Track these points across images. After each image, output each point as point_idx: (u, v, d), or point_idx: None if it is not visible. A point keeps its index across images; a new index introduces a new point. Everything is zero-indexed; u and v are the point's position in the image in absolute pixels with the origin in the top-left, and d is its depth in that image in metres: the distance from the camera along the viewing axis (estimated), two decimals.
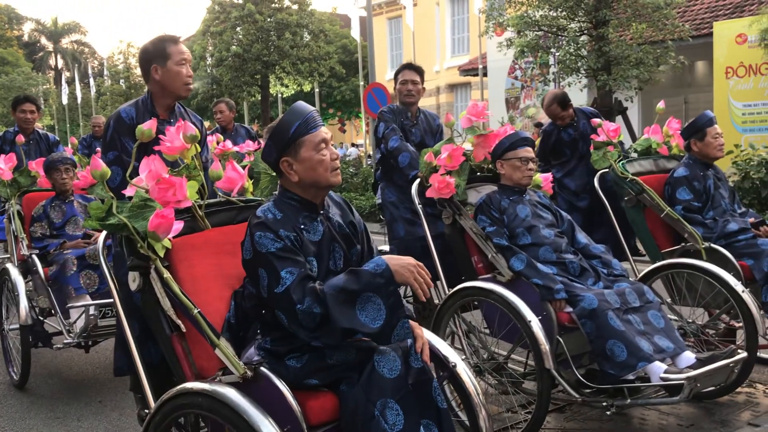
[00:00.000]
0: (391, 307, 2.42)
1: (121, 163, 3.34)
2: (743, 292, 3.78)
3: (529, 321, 3.36)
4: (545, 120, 17.16)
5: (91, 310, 4.29)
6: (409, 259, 2.38)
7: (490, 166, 4.19)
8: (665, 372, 3.19)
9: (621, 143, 4.94)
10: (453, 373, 2.63)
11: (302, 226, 2.49)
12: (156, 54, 3.41)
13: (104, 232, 2.79)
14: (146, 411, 3.40)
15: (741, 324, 3.88)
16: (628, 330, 3.28)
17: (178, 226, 2.65)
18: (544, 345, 3.32)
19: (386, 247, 4.96)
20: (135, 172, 2.77)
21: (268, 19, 22.16)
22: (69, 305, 4.44)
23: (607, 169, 4.72)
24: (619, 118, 12.36)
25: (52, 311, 4.74)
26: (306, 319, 2.32)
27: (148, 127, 2.88)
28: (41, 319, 4.83)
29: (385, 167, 4.93)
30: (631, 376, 3.24)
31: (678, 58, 12.00)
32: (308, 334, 2.36)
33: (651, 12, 11.70)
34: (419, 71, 4.92)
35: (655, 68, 11.91)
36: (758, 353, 4.03)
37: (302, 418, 2.27)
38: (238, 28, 22.54)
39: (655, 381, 3.22)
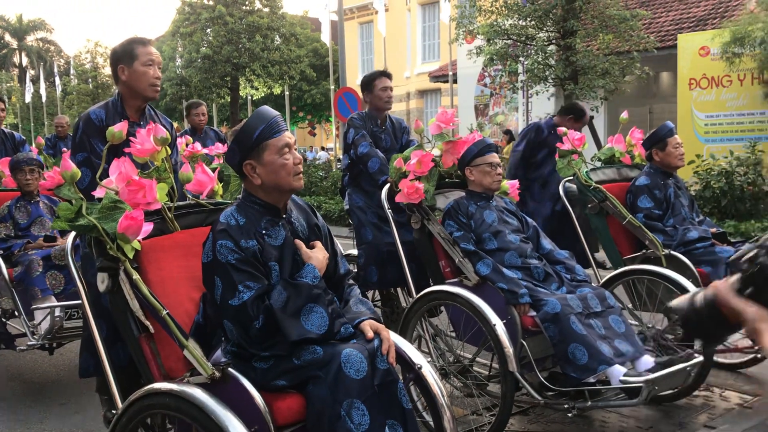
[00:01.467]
0: (331, 314, 2.50)
1: (90, 164, 3.33)
2: None
3: (494, 324, 3.43)
4: (513, 127, 17.22)
5: (57, 312, 4.25)
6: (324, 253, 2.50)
7: (459, 172, 4.25)
8: (624, 375, 3.27)
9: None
10: (418, 374, 2.66)
11: (264, 231, 2.54)
12: (123, 55, 3.44)
13: (72, 233, 2.79)
14: (113, 412, 3.39)
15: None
16: (589, 334, 3.36)
17: (148, 227, 2.65)
18: (509, 348, 3.38)
19: (354, 252, 4.99)
20: (105, 174, 2.77)
21: (239, 21, 22.08)
22: (34, 306, 4.39)
23: (571, 177, 4.81)
24: (585, 127, 12.55)
25: (16, 313, 4.68)
26: (259, 335, 2.41)
27: (118, 129, 2.89)
28: (3, 320, 4.77)
29: (352, 173, 4.98)
30: (592, 379, 3.31)
31: (643, 69, 12.25)
32: (258, 348, 2.44)
33: (617, 23, 11.92)
34: (391, 78, 5.05)
35: (620, 78, 12.14)
36: (714, 358, 4.16)
37: (270, 418, 2.30)
38: (209, 30, 22.42)
39: (615, 384, 3.29)
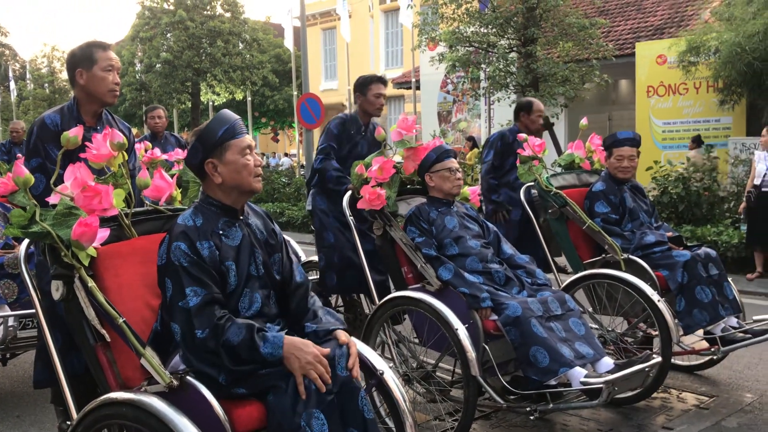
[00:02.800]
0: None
1: (45, 170, 3.25)
2: (659, 301, 3.95)
3: (456, 329, 3.44)
4: (476, 134, 17.38)
5: (10, 321, 4.14)
6: (312, 351, 2.36)
7: (418, 178, 4.27)
8: (585, 377, 3.30)
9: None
10: (380, 380, 2.66)
11: (221, 232, 2.55)
12: (82, 58, 3.35)
13: (26, 241, 2.71)
14: (68, 423, 3.32)
15: (657, 332, 4.06)
16: (550, 337, 3.38)
17: (104, 234, 2.60)
18: (471, 353, 3.40)
19: (315, 258, 4.94)
20: (60, 180, 2.71)
21: (200, 26, 21.89)
22: None
23: (532, 183, 4.86)
24: (546, 133, 12.73)
25: None
26: (200, 345, 2.38)
27: (74, 134, 2.82)
28: None
29: (320, 176, 4.95)
30: (553, 382, 3.33)
31: (602, 76, 12.46)
32: (196, 359, 2.40)
33: (577, 31, 12.12)
34: (386, 84, 5.00)
35: (580, 86, 12.33)
36: (672, 360, 4.23)
37: (229, 426, 2.28)
38: (169, 35, 22.19)
39: (575, 386, 3.32)
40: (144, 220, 2.88)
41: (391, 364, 3.91)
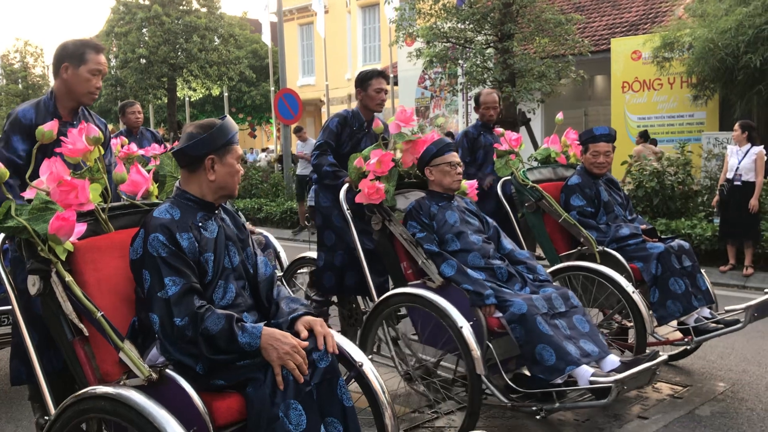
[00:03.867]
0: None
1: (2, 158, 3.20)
2: (633, 292, 4.02)
3: (461, 327, 3.36)
4: (453, 129, 17.47)
5: None
6: (289, 341, 2.37)
7: (417, 172, 4.20)
8: (593, 375, 3.24)
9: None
10: (359, 372, 2.66)
11: (200, 224, 2.61)
12: (73, 54, 3.33)
13: (1, 236, 2.69)
14: (45, 418, 3.30)
15: (632, 323, 4.12)
16: (556, 334, 3.32)
17: (81, 228, 2.60)
18: (476, 351, 3.32)
19: (313, 254, 4.83)
20: (35, 175, 2.69)
21: (176, 22, 21.68)
22: None
23: (509, 177, 4.90)
24: (522, 128, 12.81)
25: None
26: (178, 334, 2.40)
27: (48, 128, 2.80)
28: None
29: (316, 172, 4.80)
30: (559, 380, 3.28)
31: (578, 72, 12.56)
32: (174, 349, 2.42)
33: (553, 27, 12.19)
34: (388, 79, 4.87)
35: (556, 81, 12.41)
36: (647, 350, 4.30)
37: (209, 418, 2.28)
38: (144, 30, 21.93)
39: (583, 384, 3.26)
40: (121, 215, 2.88)
41: (392, 364, 3.89)
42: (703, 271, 4.58)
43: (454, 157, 3.95)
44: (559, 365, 3.24)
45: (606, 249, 4.42)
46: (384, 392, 2.66)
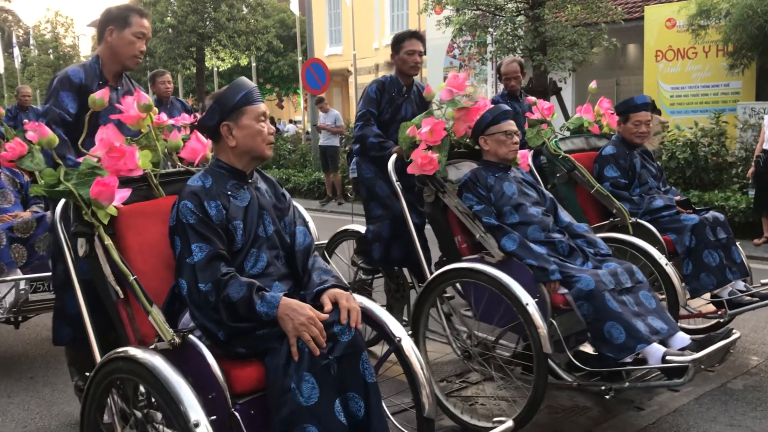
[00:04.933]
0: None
1: (50, 114, 3.31)
2: (666, 264, 3.96)
3: (526, 304, 3.18)
4: (482, 98, 17.22)
5: (22, 285, 4.19)
6: (305, 312, 2.35)
7: (468, 141, 4.05)
8: (667, 354, 3.10)
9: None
10: (398, 348, 2.60)
11: (229, 193, 2.61)
12: (117, 17, 3.40)
13: (62, 201, 2.76)
14: (80, 383, 3.39)
15: (664, 295, 4.07)
16: (624, 311, 3.17)
17: (124, 194, 2.67)
18: (542, 329, 3.14)
19: (362, 229, 4.71)
20: (91, 143, 2.77)
21: None
22: None
23: (540, 147, 4.83)
24: (553, 98, 12.62)
25: None
26: (203, 299, 2.42)
27: (100, 96, 2.85)
28: None
29: (361, 143, 4.61)
30: (628, 359, 3.15)
31: (611, 40, 12.31)
32: (199, 314, 2.44)
33: None
34: (423, 41, 4.64)
35: (588, 50, 12.18)
36: (679, 323, 4.24)
37: (226, 386, 2.30)
38: None
39: (653, 363, 3.11)
40: (175, 180, 2.93)
41: (446, 340, 3.77)
42: (737, 243, 4.50)
43: (511, 125, 3.76)
44: (629, 343, 3.09)
45: (639, 221, 4.36)
46: (422, 368, 2.59)
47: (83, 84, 3.34)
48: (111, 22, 3.39)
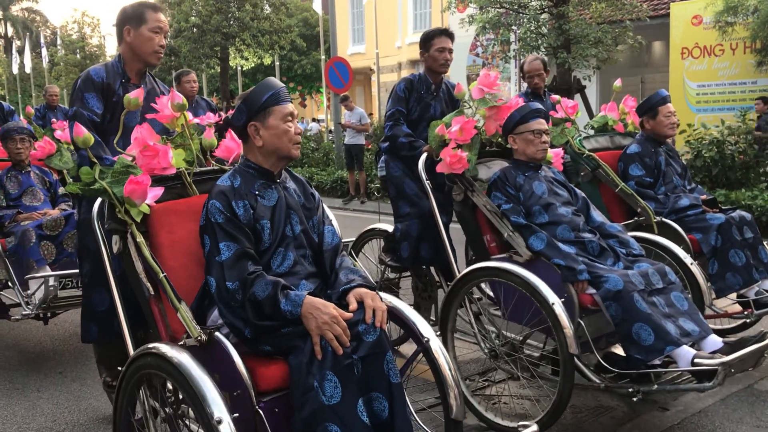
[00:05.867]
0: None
1: (79, 117, 3.35)
2: (692, 264, 3.92)
3: (552, 303, 3.15)
4: (505, 97, 17.18)
5: (51, 281, 4.26)
6: (329, 311, 2.36)
7: (500, 140, 4.03)
8: (696, 357, 3.05)
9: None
10: (426, 348, 2.60)
11: (257, 192, 2.64)
12: (132, 16, 3.44)
13: (99, 199, 2.82)
14: (108, 379, 3.45)
15: (689, 295, 4.03)
16: (654, 313, 3.13)
17: (157, 192, 2.71)
18: (569, 329, 3.11)
19: (390, 228, 4.70)
20: (126, 141, 2.84)
21: None
22: (28, 276, 4.39)
23: (564, 145, 4.81)
24: (577, 96, 12.54)
25: (9, 283, 4.68)
26: (230, 297, 2.45)
27: (134, 96, 2.91)
28: None
29: (391, 143, 4.61)
30: (657, 361, 3.11)
31: (636, 38, 12.20)
32: (227, 311, 2.47)
33: None
34: (453, 38, 4.61)
35: (613, 48, 12.09)
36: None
37: (251, 384, 2.33)
38: None
39: (683, 366, 3.07)
40: (209, 179, 2.97)
41: (473, 340, 3.76)
42: (765, 242, 4.45)
43: (540, 124, 3.72)
44: (658, 345, 3.04)
45: (664, 220, 4.33)
46: (451, 370, 2.58)
47: (105, 82, 3.39)
48: (127, 22, 3.43)
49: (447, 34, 4.55)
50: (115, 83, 3.41)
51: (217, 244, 2.52)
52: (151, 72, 3.66)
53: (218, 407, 2.18)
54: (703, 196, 4.62)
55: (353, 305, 2.45)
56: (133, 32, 3.42)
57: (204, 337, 2.38)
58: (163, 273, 2.54)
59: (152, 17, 3.43)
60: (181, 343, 2.44)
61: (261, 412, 2.31)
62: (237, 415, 2.22)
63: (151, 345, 2.47)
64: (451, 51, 4.54)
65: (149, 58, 3.47)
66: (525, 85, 6.07)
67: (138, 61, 3.50)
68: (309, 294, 2.45)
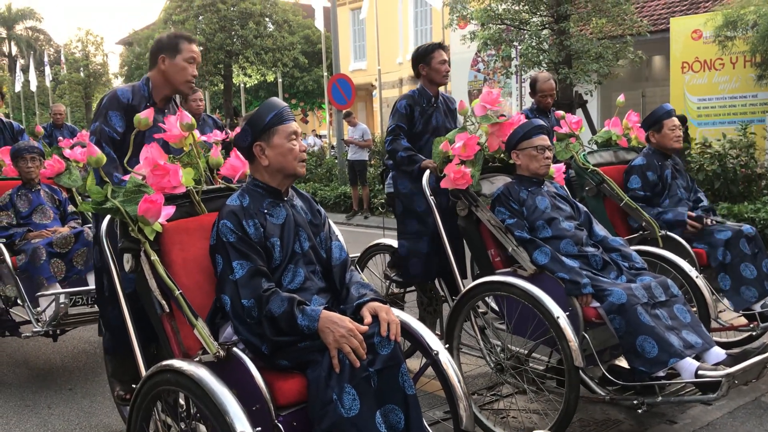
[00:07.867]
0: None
1: (101, 133, 3.42)
2: (697, 277, 3.95)
3: (557, 317, 3.21)
4: (507, 112, 17.28)
5: (62, 299, 4.29)
6: (345, 325, 2.40)
7: (503, 156, 4.10)
8: (699, 369, 3.10)
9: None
10: (435, 361, 2.63)
11: (265, 211, 2.69)
12: (168, 46, 3.51)
13: (107, 217, 2.86)
14: (121, 393, 3.48)
15: (695, 308, 4.06)
16: (657, 325, 3.18)
17: (169, 210, 2.75)
18: (574, 342, 3.17)
19: (395, 243, 4.75)
20: (135, 161, 2.87)
21: (232, 9, 21.95)
22: (39, 294, 4.42)
23: (569, 160, 4.86)
24: (579, 110, 12.61)
25: (19, 300, 4.72)
26: (246, 314, 2.49)
27: (144, 116, 2.97)
28: (7, 308, 4.81)
29: (391, 157, 4.68)
30: (661, 373, 3.16)
31: (636, 52, 12.28)
32: (243, 328, 2.51)
33: (610, 7, 11.94)
34: (448, 51, 4.77)
35: (614, 62, 12.16)
36: (711, 336, 4.23)
37: (270, 398, 2.36)
38: (201, 17, 22.27)
39: (687, 378, 3.11)
40: (217, 197, 3.01)
41: (479, 355, 3.80)
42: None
43: (543, 140, 3.79)
44: (662, 357, 3.09)
45: (669, 233, 4.37)
46: (460, 382, 2.61)
47: (130, 104, 3.45)
48: (162, 51, 3.50)
49: (443, 47, 4.72)
50: (140, 106, 3.47)
51: (230, 263, 2.56)
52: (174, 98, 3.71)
53: (241, 422, 2.20)
54: (690, 213, 4.57)
55: (368, 318, 2.49)
56: (168, 61, 3.49)
57: (222, 352, 2.41)
58: (179, 290, 2.57)
59: (187, 48, 3.50)
60: (197, 359, 2.47)
61: (280, 425, 2.34)
62: (259, 429, 2.24)
63: (167, 362, 2.50)
64: (449, 63, 4.73)
65: (181, 87, 3.55)
66: (526, 100, 6.14)
67: (167, 88, 3.56)
68: (323, 308, 2.49)
